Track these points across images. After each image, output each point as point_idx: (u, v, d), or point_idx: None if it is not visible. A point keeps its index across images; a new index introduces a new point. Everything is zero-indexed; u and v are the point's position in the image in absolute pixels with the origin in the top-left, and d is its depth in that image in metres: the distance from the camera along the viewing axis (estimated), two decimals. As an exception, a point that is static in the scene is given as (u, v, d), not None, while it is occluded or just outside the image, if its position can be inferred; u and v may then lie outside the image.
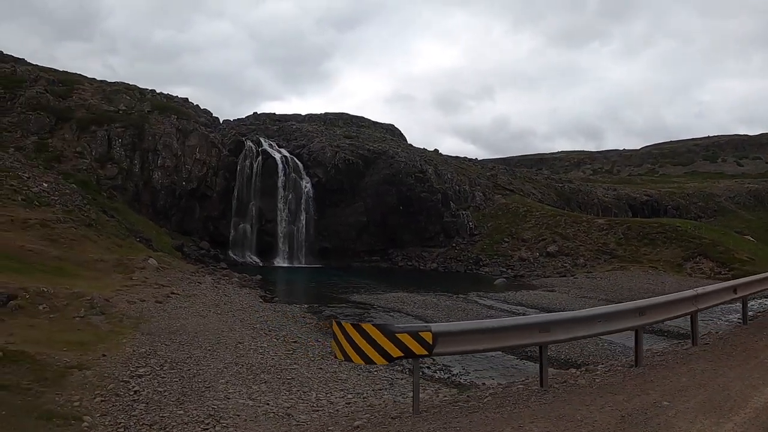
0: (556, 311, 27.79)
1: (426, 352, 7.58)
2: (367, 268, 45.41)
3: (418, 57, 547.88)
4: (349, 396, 11.01)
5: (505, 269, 43.87)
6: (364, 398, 10.88)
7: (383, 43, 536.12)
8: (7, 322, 14.75)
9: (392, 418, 7.86)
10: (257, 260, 44.60)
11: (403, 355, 7.53)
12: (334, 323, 8.01)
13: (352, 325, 7.82)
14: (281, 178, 46.86)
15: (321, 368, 13.43)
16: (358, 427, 7.82)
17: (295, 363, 13.59)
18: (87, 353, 12.69)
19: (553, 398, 8.12)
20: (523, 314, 26.45)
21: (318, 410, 9.77)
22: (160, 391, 10.46)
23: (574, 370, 10.26)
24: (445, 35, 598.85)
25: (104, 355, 12.65)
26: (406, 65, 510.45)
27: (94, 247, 27.01)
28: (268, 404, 9.92)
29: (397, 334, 7.48)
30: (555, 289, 34.60)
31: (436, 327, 7.81)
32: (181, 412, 9.32)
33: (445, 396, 9.78)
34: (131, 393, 10.38)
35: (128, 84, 51.89)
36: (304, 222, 47.10)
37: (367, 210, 48.67)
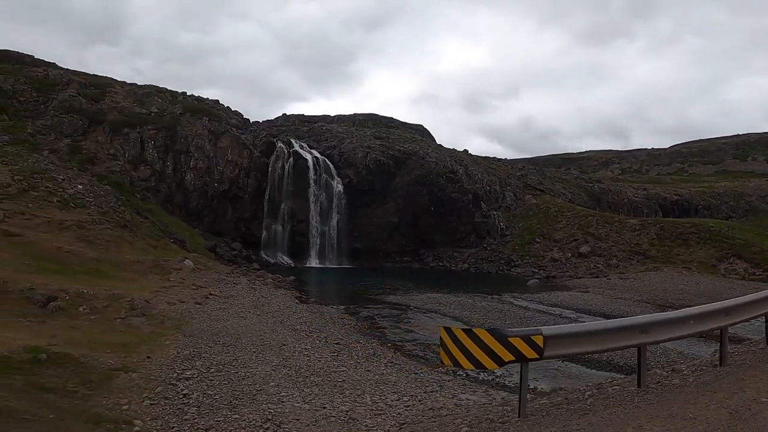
0: (592, 312, 27.62)
1: (537, 356, 7.48)
2: (399, 268, 45.06)
3: (444, 56, 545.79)
4: (405, 398, 10.70)
5: (536, 270, 43.30)
6: (419, 401, 10.58)
7: (408, 43, 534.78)
8: (48, 324, 14.69)
9: (501, 422, 7.78)
10: (289, 261, 44.46)
11: (514, 359, 7.43)
12: (442, 329, 7.80)
13: (463, 330, 7.72)
14: (312, 179, 46.67)
15: (369, 370, 13.15)
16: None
17: (342, 365, 13.32)
18: (131, 355, 12.53)
19: (657, 398, 8.05)
20: (560, 315, 26.10)
21: (380, 414, 9.47)
22: (210, 395, 10.23)
23: (659, 371, 9.96)
24: (470, 34, 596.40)
25: (148, 357, 12.48)
26: (431, 65, 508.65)
27: (130, 249, 27.03)
28: (324, 408, 9.65)
29: (509, 339, 7.43)
30: (589, 290, 34.04)
31: (546, 330, 7.75)
32: (237, 416, 9.07)
33: (542, 400, 9.42)
34: (180, 396, 10.17)
35: (159, 87, 52.19)
36: (335, 223, 46.90)
37: (398, 210, 48.33)
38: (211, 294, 20.95)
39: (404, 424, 8.70)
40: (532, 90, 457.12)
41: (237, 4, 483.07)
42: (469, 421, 8.23)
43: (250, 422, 8.83)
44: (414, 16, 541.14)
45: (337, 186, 47.48)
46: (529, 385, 14.67)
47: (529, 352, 7.41)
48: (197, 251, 33.44)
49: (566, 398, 8.79)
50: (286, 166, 46.27)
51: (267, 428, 8.58)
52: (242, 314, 18.68)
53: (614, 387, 9.06)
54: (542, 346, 7.44)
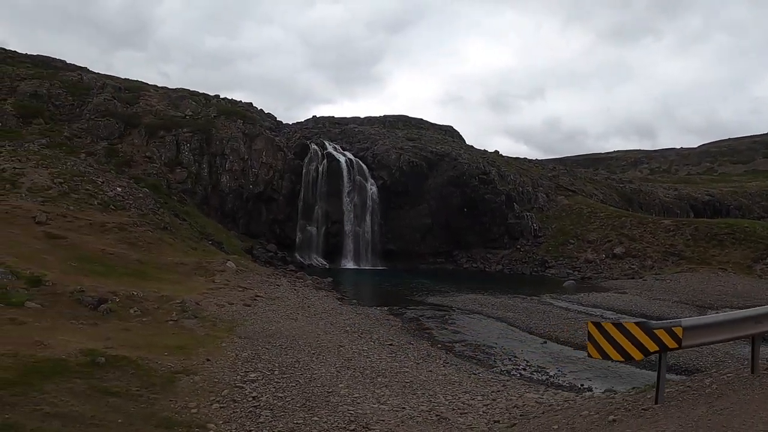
0: (633, 313, 27.23)
1: (676, 345, 7.91)
2: (433, 269, 44.82)
3: (468, 57, 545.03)
4: (479, 397, 10.52)
5: (571, 271, 42.90)
6: (494, 399, 10.39)
7: (433, 45, 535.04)
8: (101, 326, 14.64)
9: (643, 409, 7.96)
10: (324, 262, 44.39)
11: (658, 349, 7.88)
12: (590, 324, 8.28)
13: (613, 324, 8.19)
14: (346, 181, 46.63)
15: (430, 371, 12.98)
16: (614, 420, 7.92)
17: (403, 366, 13.15)
18: (189, 357, 12.41)
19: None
20: (601, 316, 25.75)
21: (466, 412, 9.28)
22: (281, 397, 10.08)
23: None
24: (494, 35, 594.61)
25: (208, 360, 12.37)
26: (456, 66, 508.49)
27: (171, 251, 27.08)
28: (404, 408, 9.47)
29: (654, 330, 7.88)
30: (626, 291, 33.73)
31: (685, 322, 8.10)
32: (316, 418, 8.89)
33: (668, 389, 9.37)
34: (249, 399, 10.02)
35: (191, 90, 52.47)
36: (369, 224, 46.77)
37: (432, 212, 48.12)
38: (257, 296, 20.87)
39: (497, 421, 8.53)
40: (557, 90, 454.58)
41: (261, 8, 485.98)
42: (603, 412, 8.35)
43: (333, 425, 8.65)
44: (438, 16, 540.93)
45: (371, 188, 47.36)
46: (583, 385, 14.63)
47: (670, 342, 7.85)
48: (235, 253, 33.46)
49: (689, 386, 8.83)
50: (320, 168, 46.27)
51: (353, 430, 8.40)
52: (292, 316, 18.57)
53: (728, 374, 9.09)
54: (681, 337, 7.86)
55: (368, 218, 46.76)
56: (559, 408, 8.96)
